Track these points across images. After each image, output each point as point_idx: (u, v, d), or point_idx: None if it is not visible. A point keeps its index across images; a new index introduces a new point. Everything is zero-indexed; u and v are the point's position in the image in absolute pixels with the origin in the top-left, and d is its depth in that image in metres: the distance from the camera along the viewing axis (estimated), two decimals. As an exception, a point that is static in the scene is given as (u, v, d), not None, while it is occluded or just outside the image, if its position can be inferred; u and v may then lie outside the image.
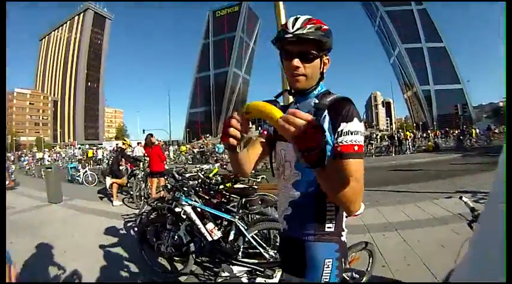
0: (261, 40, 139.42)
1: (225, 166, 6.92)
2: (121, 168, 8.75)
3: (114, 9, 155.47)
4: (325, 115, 1.13)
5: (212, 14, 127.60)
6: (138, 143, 15.50)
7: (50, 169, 8.98)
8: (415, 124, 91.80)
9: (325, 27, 1.16)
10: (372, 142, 24.70)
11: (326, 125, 1.12)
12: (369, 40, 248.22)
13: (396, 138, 23.84)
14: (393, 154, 21.84)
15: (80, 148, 38.60)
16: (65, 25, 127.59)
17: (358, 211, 1.00)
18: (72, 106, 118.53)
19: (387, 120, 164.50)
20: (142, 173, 8.49)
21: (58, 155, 33.13)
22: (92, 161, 24.11)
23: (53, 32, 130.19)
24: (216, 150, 25.06)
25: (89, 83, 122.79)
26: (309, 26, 1.12)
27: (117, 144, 33.53)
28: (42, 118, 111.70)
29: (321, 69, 1.22)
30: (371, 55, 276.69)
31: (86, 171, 13.11)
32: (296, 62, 1.15)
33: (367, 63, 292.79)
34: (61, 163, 25.84)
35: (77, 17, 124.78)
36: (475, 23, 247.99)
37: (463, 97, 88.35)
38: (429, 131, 42.43)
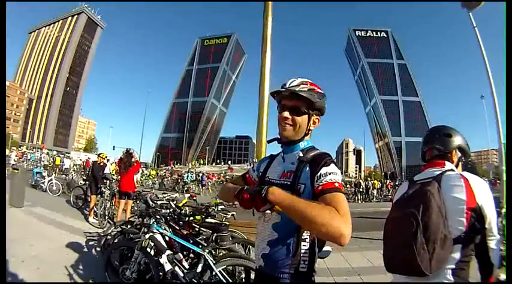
0: (243, 75, 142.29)
1: (194, 198, 6.91)
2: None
3: (108, 19, 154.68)
4: (307, 168, 1.30)
5: (201, 42, 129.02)
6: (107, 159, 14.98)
7: (16, 171, 8.62)
8: (383, 173, 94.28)
9: (318, 90, 1.39)
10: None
11: (306, 176, 1.28)
12: (347, 88, 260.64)
13: (364, 186, 24.62)
14: (360, 202, 22.39)
15: (47, 153, 36.76)
16: (57, 23, 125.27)
17: (347, 240, 1.03)
18: (47, 107, 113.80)
19: (356, 167, 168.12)
20: (109, 191, 8.34)
21: (24, 156, 31.59)
22: (58, 169, 23.13)
23: (43, 28, 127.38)
24: (185, 178, 25.41)
25: (68, 88, 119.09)
26: (302, 86, 1.36)
27: (88, 158, 32.34)
28: (15, 113, 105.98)
29: (309, 126, 1.41)
30: (347, 102, 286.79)
31: (51, 179, 12.57)
32: (286, 113, 1.37)
33: (342, 110, 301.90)
34: (25, 165, 24.58)
35: (70, 18, 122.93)
36: (451, 80, 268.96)
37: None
38: (397, 181, 44.06)
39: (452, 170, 1.59)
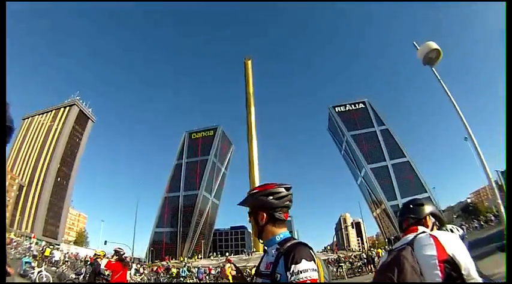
0: (232, 165, 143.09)
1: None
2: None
3: (98, 112, 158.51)
4: (283, 259, 1.41)
5: (188, 135, 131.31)
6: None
7: None
8: (386, 240, 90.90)
9: (254, 191, 1.65)
10: (341, 264, 25.02)
11: (282, 267, 1.39)
12: (335, 163, 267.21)
13: (369, 257, 24.20)
14: (370, 273, 21.75)
15: (36, 243, 35.21)
16: (50, 112, 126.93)
17: None
18: (37, 196, 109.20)
19: (358, 239, 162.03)
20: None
21: (12, 243, 30.29)
22: (47, 261, 22.28)
23: (37, 116, 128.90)
24: (181, 273, 24.80)
25: (59, 179, 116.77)
26: (248, 195, 1.66)
27: (94, 255, 30.92)
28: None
29: (259, 223, 1.61)
30: (338, 177, 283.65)
31: (41, 271, 12.24)
32: (248, 219, 1.68)
33: (334, 186, 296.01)
34: (13, 252, 23.59)
35: (62, 109, 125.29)
36: (433, 130, 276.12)
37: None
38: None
39: (424, 232, 1.77)
